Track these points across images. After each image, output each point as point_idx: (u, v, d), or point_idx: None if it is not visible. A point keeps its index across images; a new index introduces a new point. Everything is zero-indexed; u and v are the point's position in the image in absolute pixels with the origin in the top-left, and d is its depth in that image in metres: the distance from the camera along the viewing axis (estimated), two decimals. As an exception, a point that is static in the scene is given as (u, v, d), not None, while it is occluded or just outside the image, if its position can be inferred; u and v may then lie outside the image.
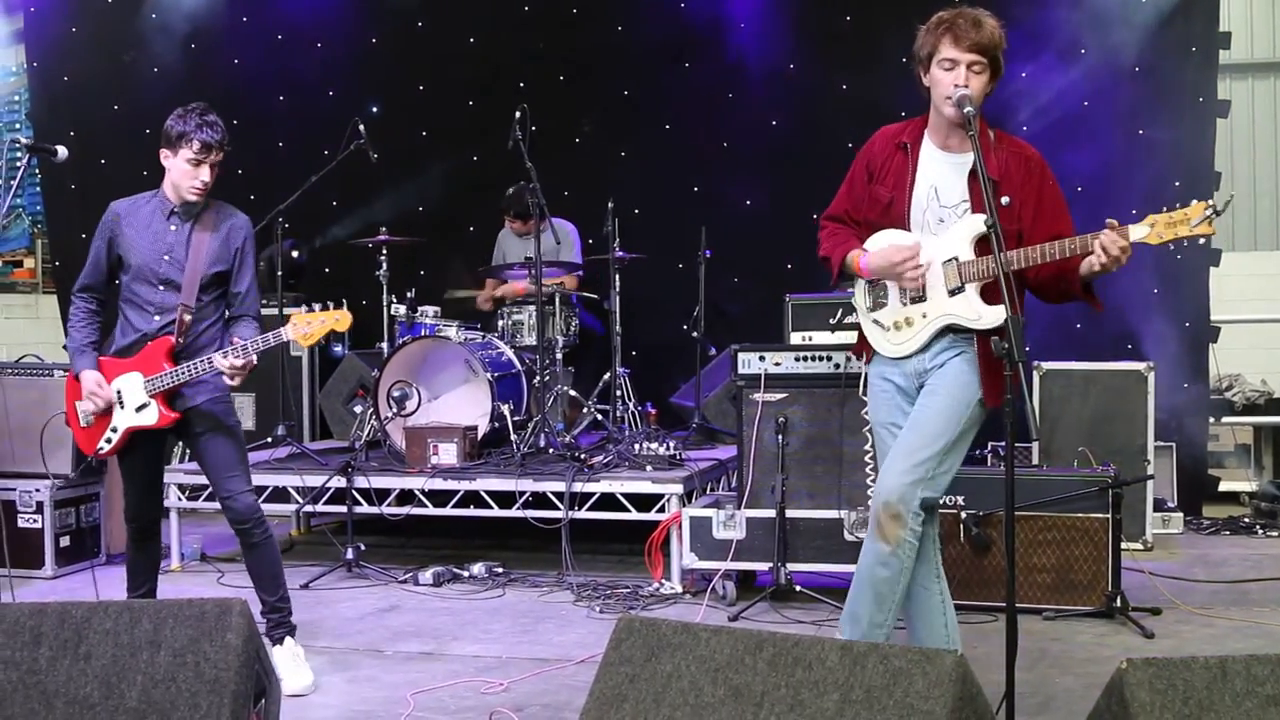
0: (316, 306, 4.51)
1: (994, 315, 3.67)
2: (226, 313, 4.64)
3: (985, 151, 3.66)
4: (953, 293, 3.74)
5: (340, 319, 4.48)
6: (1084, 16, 7.71)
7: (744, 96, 8.39)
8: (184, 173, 4.47)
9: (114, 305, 4.66)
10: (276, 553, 4.69)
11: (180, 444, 8.01)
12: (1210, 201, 3.49)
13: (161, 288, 4.51)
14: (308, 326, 4.44)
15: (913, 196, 3.81)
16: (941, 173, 3.79)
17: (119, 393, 4.52)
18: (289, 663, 4.50)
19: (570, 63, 8.56)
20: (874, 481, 4.47)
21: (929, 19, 3.77)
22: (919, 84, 3.82)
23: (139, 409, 4.50)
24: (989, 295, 3.70)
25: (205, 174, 4.47)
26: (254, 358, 4.40)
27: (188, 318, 4.49)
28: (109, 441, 4.56)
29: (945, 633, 3.88)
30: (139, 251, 4.52)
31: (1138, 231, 3.55)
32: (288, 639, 4.61)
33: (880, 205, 3.86)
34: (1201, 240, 3.56)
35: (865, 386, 4.06)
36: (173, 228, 4.54)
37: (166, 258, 4.51)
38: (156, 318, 4.52)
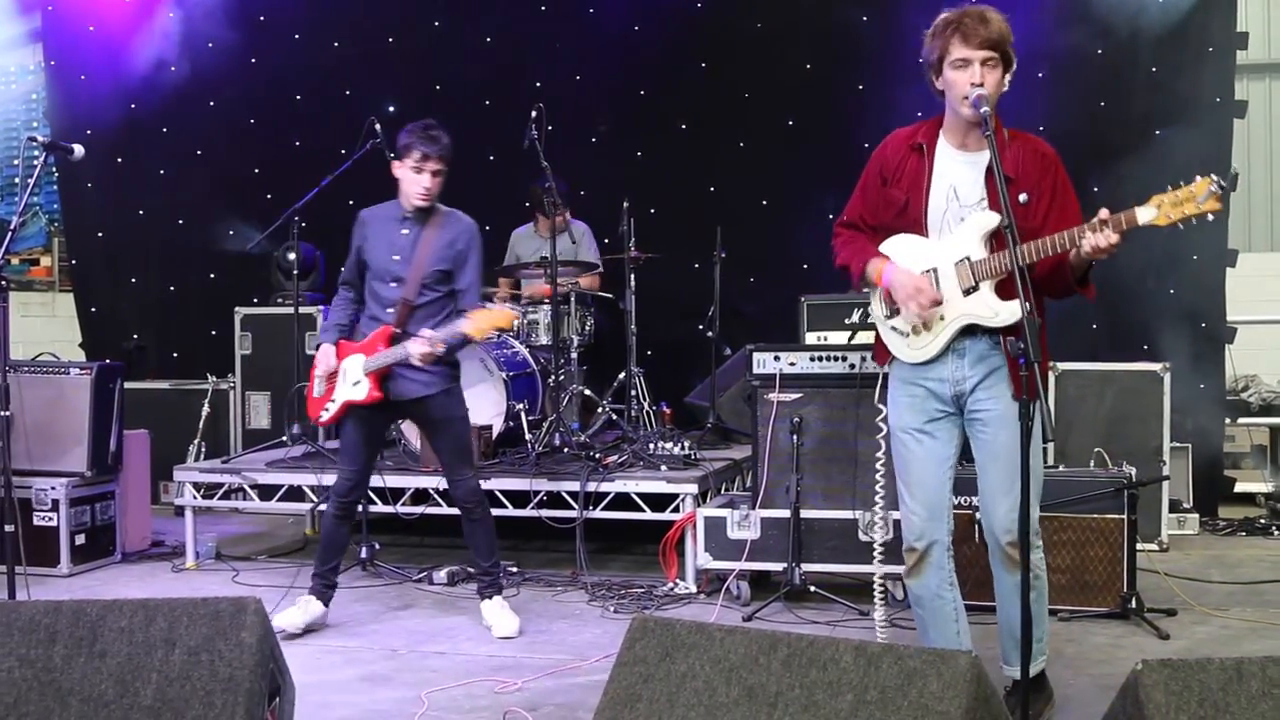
0: (493, 306, 5.05)
1: (1011, 311, 3.65)
2: (453, 307, 5.11)
3: (1001, 149, 3.65)
4: (967, 292, 3.72)
5: (506, 316, 4.94)
6: (1100, 17, 7.68)
7: (760, 96, 8.39)
8: (409, 180, 5.05)
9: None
10: (491, 527, 5.31)
11: (199, 442, 8.17)
12: (1213, 176, 3.42)
13: (393, 284, 5.09)
14: (481, 321, 4.85)
15: (930, 198, 3.78)
16: (960, 173, 3.77)
17: (344, 370, 5.10)
18: (496, 612, 5.20)
19: (586, 62, 8.56)
20: (884, 484, 4.46)
21: (936, 21, 3.75)
22: (932, 88, 3.81)
23: (354, 384, 5.07)
24: (1003, 292, 3.68)
25: (426, 180, 5.03)
26: (441, 346, 4.88)
27: (406, 308, 5.04)
28: (327, 411, 5.15)
29: (958, 639, 3.88)
30: (377, 252, 5.13)
31: (1145, 214, 3.50)
32: (496, 596, 5.27)
33: (895, 207, 3.84)
34: (1210, 217, 3.40)
35: (882, 392, 4.02)
36: (404, 231, 5.13)
37: (396, 257, 5.09)
38: (389, 310, 5.10)
